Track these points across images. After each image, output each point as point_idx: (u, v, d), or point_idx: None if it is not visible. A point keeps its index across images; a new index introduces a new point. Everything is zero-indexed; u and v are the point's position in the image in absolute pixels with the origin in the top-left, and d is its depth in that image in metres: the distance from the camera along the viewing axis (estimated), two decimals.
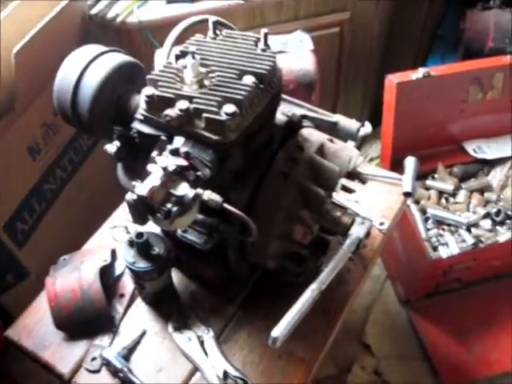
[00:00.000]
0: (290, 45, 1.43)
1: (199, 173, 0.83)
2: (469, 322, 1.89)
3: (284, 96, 1.11)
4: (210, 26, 0.95)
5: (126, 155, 0.96)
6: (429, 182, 1.99)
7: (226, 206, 0.81)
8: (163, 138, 0.85)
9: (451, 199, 1.96)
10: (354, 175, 1.08)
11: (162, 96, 0.84)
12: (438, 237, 1.81)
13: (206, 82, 0.87)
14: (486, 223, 1.85)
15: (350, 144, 1.12)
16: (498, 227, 1.86)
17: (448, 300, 1.94)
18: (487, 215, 1.88)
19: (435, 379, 1.80)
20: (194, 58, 0.86)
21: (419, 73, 1.79)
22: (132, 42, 1.63)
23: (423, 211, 1.90)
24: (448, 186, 1.95)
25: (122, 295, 1.18)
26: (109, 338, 1.11)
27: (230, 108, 0.82)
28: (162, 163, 0.81)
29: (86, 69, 0.93)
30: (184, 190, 0.80)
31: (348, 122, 1.11)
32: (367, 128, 1.14)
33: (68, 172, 1.74)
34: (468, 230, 1.84)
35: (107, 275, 1.18)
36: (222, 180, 0.87)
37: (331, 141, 1.06)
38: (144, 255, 1.04)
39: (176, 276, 1.19)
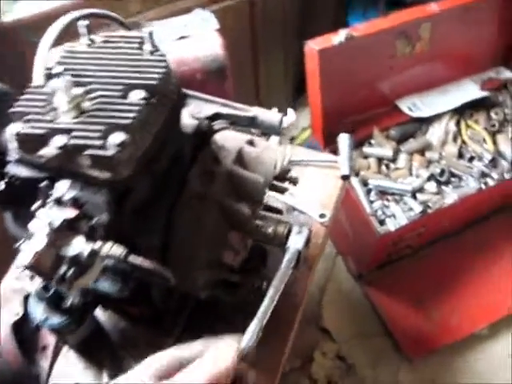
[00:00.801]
0: (191, 27, 1.23)
1: (94, 221, 0.68)
2: (425, 287, 1.84)
3: (191, 92, 0.95)
4: (82, 30, 0.78)
5: (11, 201, 0.80)
6: (366, 150, 1.88)
7: (130, 260, 0.66)
8: (43, 184, 0.69)
9: (391, 165, 1.85)
10: (282, 177, 0.95)
11: (30, 133, 0.68)
12: (384, 208, 1.71)
13: (86, 105, 0.70)
14: (431, 186, 1.77)
15: (274, 141, 0.99)
16: (443, 187, 1.78)
17: (401, 267, 1.87)
18: (431, 177, 1.79)
19: (399, 353, 1.74)
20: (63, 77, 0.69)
21: (341, 35, 1.65)
22: (14, 46, 1.38)
23: (364, 183, 1.79)
24: (386, 151, 1.85)
25: (44, 348, 1.03)
26: None
27: (117, 137, 0.66)
28: (45, 218, 0.65)
29: None
30: (78, 247, 0.65)
31: (268, 115, 0.97)
32: (291, 117, 1.01)
33: None
34: (413, 196, 1.75)
35: (22, 329, 1.02)
36: (124, 223, 0.72)
37: (251, 143, 0.92)
38: (56, 308, 0.89)
39: (103, 314, 1.04)
